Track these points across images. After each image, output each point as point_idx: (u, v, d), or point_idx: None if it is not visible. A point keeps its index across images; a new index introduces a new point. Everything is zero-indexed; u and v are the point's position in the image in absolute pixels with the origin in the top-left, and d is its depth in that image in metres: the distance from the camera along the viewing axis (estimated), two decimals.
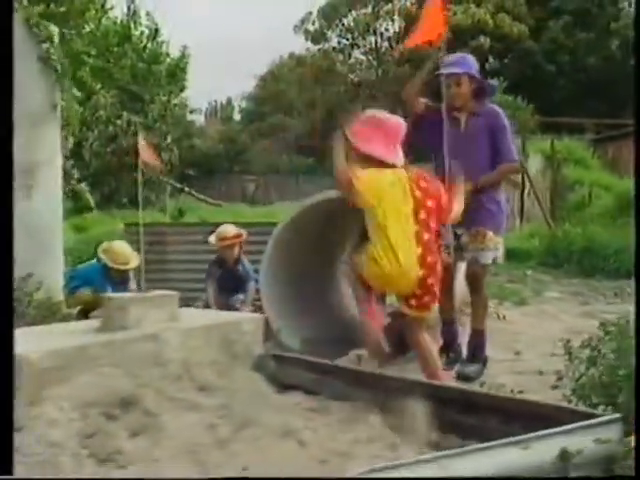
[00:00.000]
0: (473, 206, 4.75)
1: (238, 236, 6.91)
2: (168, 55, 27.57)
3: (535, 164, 19.22)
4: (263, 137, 33.78)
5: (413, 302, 4.27)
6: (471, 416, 3.22)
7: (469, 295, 5.17)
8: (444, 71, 5.01)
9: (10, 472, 2.04)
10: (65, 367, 2.99)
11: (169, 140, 20.95)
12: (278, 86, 35.84)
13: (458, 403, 3.30)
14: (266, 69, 39.26)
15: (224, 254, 6.93)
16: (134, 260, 7.07)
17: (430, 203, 4.26)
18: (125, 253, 7.05)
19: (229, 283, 6.75)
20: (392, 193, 4.21)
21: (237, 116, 47.62)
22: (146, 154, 8.89)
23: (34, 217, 7.06)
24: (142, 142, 9.01)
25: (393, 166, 4.29)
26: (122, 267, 6.91)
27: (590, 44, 31.61)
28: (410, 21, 31.85)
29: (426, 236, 4.20)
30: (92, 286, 6.77)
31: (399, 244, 4.13)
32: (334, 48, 33.23)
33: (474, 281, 4.99)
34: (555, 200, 18.72)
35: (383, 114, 4.51)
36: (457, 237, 4.95)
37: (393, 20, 32.70)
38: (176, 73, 27.08)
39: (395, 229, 4.15)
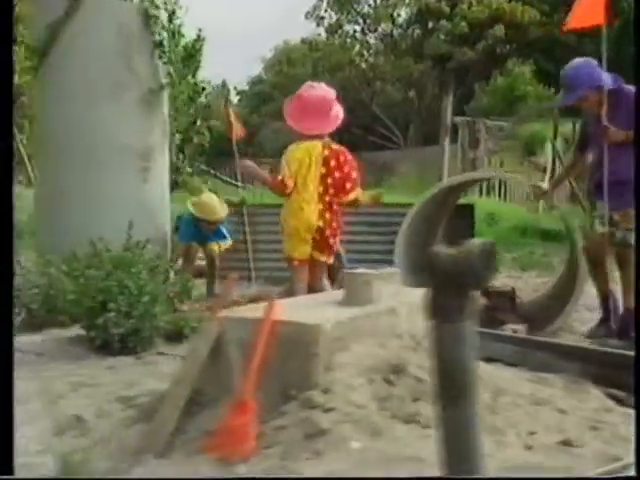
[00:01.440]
0: (628, 187, 5.09)
1: None
2: (183, 35, 27.49)
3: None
4: (274, 119, 33.87)
5: (315, 246, 5.33)
6: None
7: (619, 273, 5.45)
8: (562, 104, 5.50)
9: (10, 472, 2.08)
10: (344, 337, 3.23)
11: (199, 123, 20.98)
12: (289, 70, 35.91)
13: None
14: (277, 53, 39.26)
15: None
16: (221, 212, 7.57)
17: (337, 174, 5.32)
18: (212, 204, 7.67)
19: None
20: (302, 162, 5.25)
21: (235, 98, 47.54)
22: (236, 126, 9.05)
23: (149, 197, 7.33)
24: (232, 113, 9.11)
25: (317, 136, 5.33)
26: (209, 218, 7.51)
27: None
28: (424, 7, 32.15)
29: (327, 197, 5.31)
30: (181, 236, 7.69)
31: (305, 200, 5.25)
32: (347, 33, 33.40)
33: (622, 260, 5.29)
34: (578, 182, 18.95)
35: (308, 89, 5.43)
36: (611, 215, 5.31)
37: (407, 6, 32.90)
38: (193, 55, 27.04)
39: (303, 189, 5.24)
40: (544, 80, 29.55)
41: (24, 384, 4.09)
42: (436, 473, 2.63)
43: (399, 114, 33.02)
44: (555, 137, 18.71)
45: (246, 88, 45.38)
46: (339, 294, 3.83)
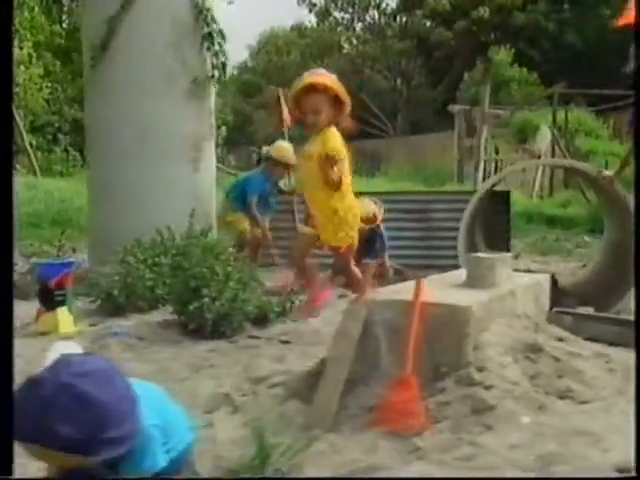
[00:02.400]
0: None
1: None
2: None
3: (547, 135, 19.70)
4: (264, 109, 33.92)
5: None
6: None
7: None
8: None
9: (10, 472, 2.02)
10: (484, 318, 3.35)
11: None
12: (278, 59, 35.92)
13: None
14: (262, 39, 39.22)
15: None
16: (293, 159, 7.84)
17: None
18: (289, 149, 8.04)
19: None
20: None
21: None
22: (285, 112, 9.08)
23: (200, 186, 7.43)
24: (284, 102, 9.10)
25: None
26: (288, 160, 7.89)
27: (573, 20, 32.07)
28: None
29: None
30: (251, 190, 7.78)
31: (350, 189, 5.35)
32: (336, 20, 33.51)
33: None
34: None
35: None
36: None
37: None
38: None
39: (346, 178, 5.27)
40: (527, 65, 29.92)
41: (140, 367, 4.19)
42: (605, 446, 2.79)
43: (387, 103, 33.20)
44: (554, 124, 18.99)
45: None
46: (458, 276, 3.96)
